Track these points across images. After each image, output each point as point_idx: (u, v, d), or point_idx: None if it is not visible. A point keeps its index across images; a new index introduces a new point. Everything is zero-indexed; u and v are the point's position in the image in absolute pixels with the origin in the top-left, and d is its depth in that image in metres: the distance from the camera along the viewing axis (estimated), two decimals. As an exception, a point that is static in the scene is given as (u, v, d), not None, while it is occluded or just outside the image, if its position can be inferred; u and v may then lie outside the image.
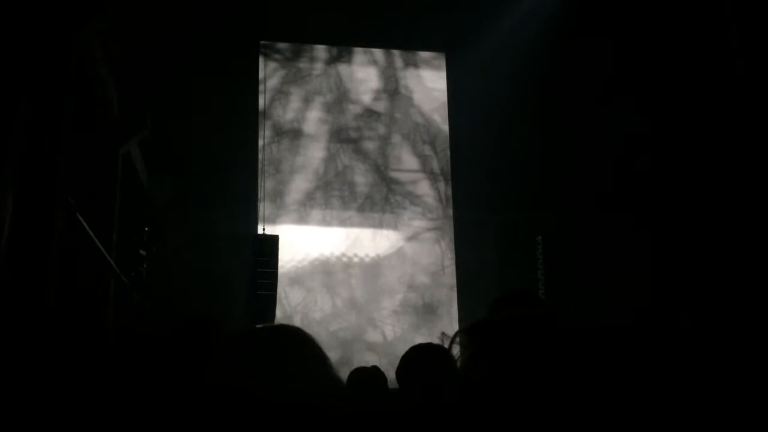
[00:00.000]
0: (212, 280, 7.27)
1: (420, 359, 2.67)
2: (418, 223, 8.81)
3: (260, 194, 8.25)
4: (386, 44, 9.14)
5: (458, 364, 2.62)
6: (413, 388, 2.59)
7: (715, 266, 5.27)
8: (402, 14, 8.24)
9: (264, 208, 8.11)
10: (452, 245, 8.77)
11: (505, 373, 2.03)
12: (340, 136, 8.87)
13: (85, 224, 4.57)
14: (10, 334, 3.63)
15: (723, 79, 5.53)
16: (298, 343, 1.54)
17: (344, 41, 9.06)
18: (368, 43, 9.12)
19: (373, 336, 8.27)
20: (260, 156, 8.41)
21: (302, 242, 8.31)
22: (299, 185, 8.61)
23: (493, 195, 8.23)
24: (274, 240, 7.43)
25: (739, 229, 5.20)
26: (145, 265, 5.99)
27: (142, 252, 5.99)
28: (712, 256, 5.29)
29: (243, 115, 8.34)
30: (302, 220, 8.47)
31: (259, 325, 1.80)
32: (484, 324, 2.19)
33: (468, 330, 2.24)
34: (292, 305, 8.06)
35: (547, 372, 2.00)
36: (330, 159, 8.77)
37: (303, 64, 9.06)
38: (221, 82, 7.98)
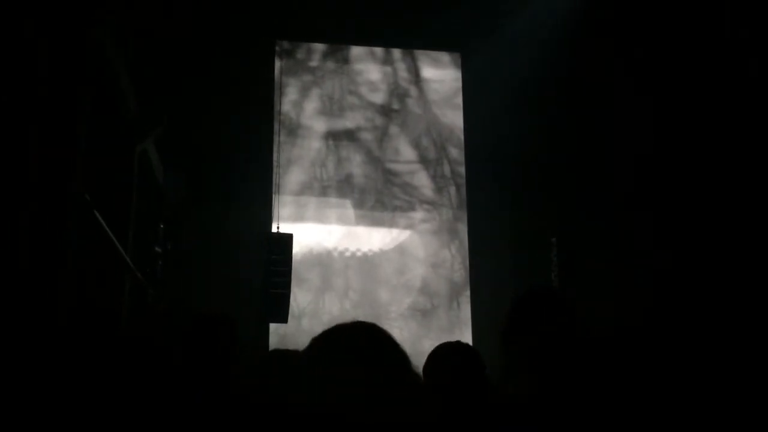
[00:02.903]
0: (226, 278, 7.30)
1: (449, 356, 2.66)
2: (430, 224, 8.80)
3: (275, 192, 8.27)
4: (401, 44, 9.15)
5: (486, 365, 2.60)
6: (440, 385, 2.58)
7: (734, 268, 5.24)
8: (416, 13, 8.24)
9: (278, 205, 8.12)
10: (465, 246, 8.76)
11: (548, 390, 2.03)
12: (353, 136, 8.87)
13: (102, 221, 4.59)
14: (26, 332, 3.65)
15: (738, 79, 5.50)
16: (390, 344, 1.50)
17: (359, 41, 9.07)
18: (383, 42, 9.12)
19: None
20: (275, 154, 8.43)
21: (309, 239, 8.30)
22: (311, 181, 8.63)
23: (507, 195, 8.21)
24: (287, 239, 7.45)
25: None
26: (160, 263, 6.02)
27: (158, 249, 6.02)
28: (731, 257, 5.26)
29: (258, 114, 8.36)
30: (320, 218, 8.49)
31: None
32: (520, 334, 2.18)
33: (505, 339, 2.23)
34: (300, 306, 8.05)
35: (589, 391, 2.01)
36: (338, 157, 8.76)
37: (317, 63, 9.07)
38: (236, 81, 8.01)
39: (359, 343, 1.54)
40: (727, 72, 5.59)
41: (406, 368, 1.51)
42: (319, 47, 9.08)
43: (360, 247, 8.53)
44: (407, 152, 8.99)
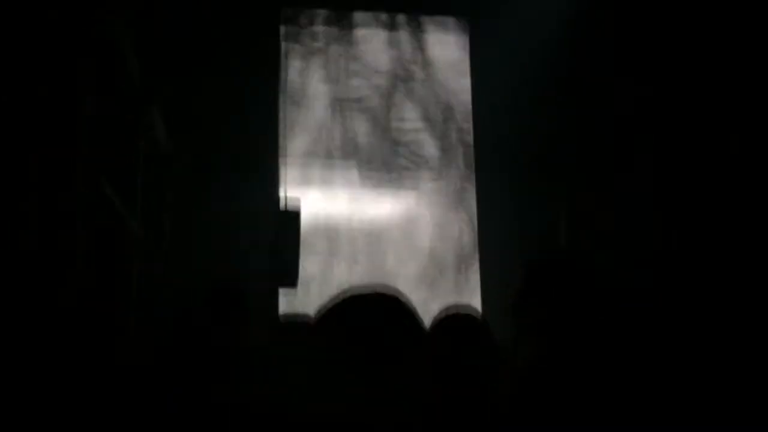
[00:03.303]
0: (235, 245, 7.31)
1: (453, 323, 2.64)
2: (437, 189, 8.76)
3: (282, 159, 8.24)
4: (406, 8, 9.04)
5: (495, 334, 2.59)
6: (442, 352, 2.57)
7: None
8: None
9: (286, 176, 8.09)
10: (473, 211, 8.74)
11: (560, 351, 2.01)
12: (358, 102, 8.80)
13: (109, 191, 4.59)
14: (36, 303, 3.66)
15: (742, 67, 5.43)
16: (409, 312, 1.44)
17: (365, 5, 8.97)
18: (388, 6, 9.01)
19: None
20: (281, 124, 8.38)
21: (314, 205, 8.27)
22: (316, 148, 8.59)
23: (516, 164, 8.17)
24: (295, 215, 7.38)
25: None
26: (168, 232, 6.04)
27: (166, 219, 6.03)
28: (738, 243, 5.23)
29: (263, 80, 8.30)
30: (325, 184, 8.47)
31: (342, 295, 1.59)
32: (532, 299, 2.16)
33: (516, 305, 2.21)
34: (309, 273, 8.03)
35: (601, 349, 1.98)
36: (344, 124, 8.71)
37: (320, 29, 8.97)
38: (240, 48, 7.95)
39: (379, 329, 1.43)
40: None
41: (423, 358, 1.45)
42: (322, 13, 8.97)
43: (366, 213, 8.51)
44: (413, 117, 8.92)
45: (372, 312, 1.46)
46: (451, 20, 9.21)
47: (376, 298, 1.48)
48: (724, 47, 5.56)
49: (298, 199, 7.55)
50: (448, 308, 2.82)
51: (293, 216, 7.39)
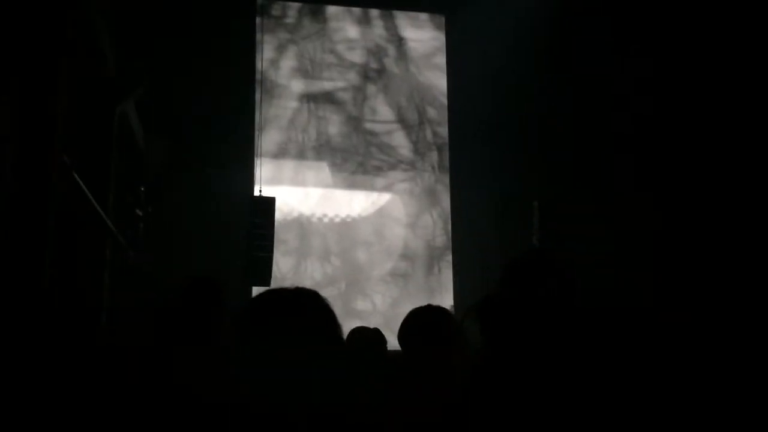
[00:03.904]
0: (208, 240, 7.28)
1: (423, 322, 2.66)
2: (411, 187, 8.79)
3: (257, 154, 8.21)
4: (384, 4, 9.05)
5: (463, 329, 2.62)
6: (417, 351, 2.59)
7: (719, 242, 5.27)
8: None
9: (261, 168, 8.07)
10: (446, 209, 8.78)
11: (504, 351, 2.04)
12: (333, 98, 8.80)
13: (82, 184, 4.54)
14: (8, 294, 3.63)
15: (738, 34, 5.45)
16: (318, 307, 1.56)
17: (343, 0, 8.97)
18: (366, 2, 9.02)
19: (362, 305, 8.27)
20: (257, 116, 8.36)
21: (288, 201, 8.28)
22: (289, 143, 8.58)
23: (490, 160, 8.21)
24: (270, 202, 7.43)
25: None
26: (141, 225, 5.99)
27: (139, 212, 5.98)
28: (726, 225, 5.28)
29: (240, 75, 8.27)
30: (298, 180, 8.46)
31: (273, 287, 1.78)
32: (494, 300, 2.19)
33: (480, 306, 2.23)
34: (282, 271, 8.03)
35: (551, 353, 2.01)
36: (317, 118, 8.70)
37: (293, 21, 8.94)
38: (217, 42, 7.91)
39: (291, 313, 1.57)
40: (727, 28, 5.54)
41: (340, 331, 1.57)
42: (295, 4, 8.95)
43: (339, 211, 8.52)
44: (386, 113, 8.94)
45: (287, 299, 1.58)
46: (426, 16, 9.25)
47: (294, 291, 1.61)
48: (718, 52, 5.62)
49: (273, 198, 7.55)
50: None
51: (268, 213, 7.40)
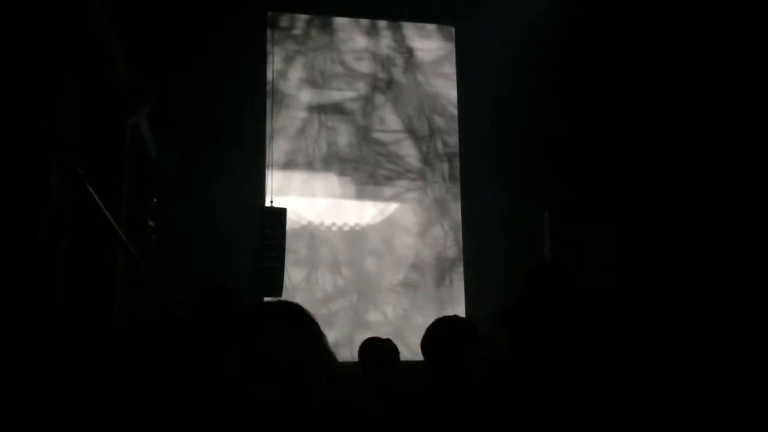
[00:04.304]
0: (219, 251, 7.29)
1: (447, 332, 2.66)
2: (421, 198, 8.77)
3: (268, 164, 8.23)
4: (394, 16, 9.07)
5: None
6: (439, 360, 2.59)
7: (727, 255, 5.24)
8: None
9: (272, 178, 8.08)
10: (457, 221, 8.75)
11: (521, 358, 2.06)
12: (342, 108, 8.80)
13: (95, 195, 4.56)
14: (19, 307, 3.63)
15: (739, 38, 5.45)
16: (301, 318, 1.62)
17: (352, 12, 8.99)
18: (376, 14, 9.04)
19: (374, 316, 8.24)
20: (268, 127, 8.38)
21: (299, 212, 8.27)
22: (299, 153, 8.59)
23: (500, 169, 8.21)
24: (281, 212, 7.44)
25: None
26: (153, 236, 6.01)
27: (151, 223, 6.00)
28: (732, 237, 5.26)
29: (250, 85, 8.31)
30: (308, 190, 8.46)
31: (267, 299, 1.90)
32: (515, 309, 2.22)
33: (503, 314, 2.26)
34: (294, 283, 8.02)
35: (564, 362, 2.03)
36: (326, 128, 8.70)
37: (301, 31, 8.97)
38: (227, 53, 7.95)
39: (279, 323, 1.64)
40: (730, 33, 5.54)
41: (324, 340, 1.64)
42: (303, 15, 8.98)
43: (348, 220, 8.51)
44: (395, 123, 8.93)
45: (271, 312, 1.69)
46: (435, 27, 9.26)
47: (277, 304, 1.72)
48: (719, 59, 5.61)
49: (284, 209, 7.57)
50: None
51: (279, 224, 7.41)
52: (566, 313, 2.17)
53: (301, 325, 1.64)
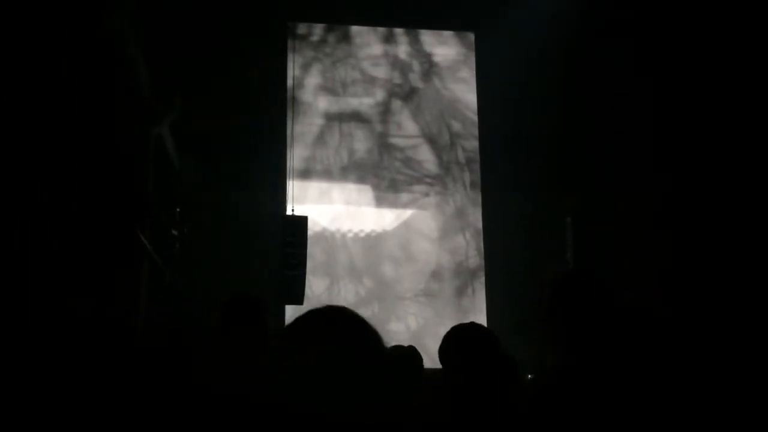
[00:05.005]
0: (242, 260, 7.33)
1: (465, 338, 2.66)
2: (442, 206, 8.76)
3: (288, 173, 8.26)
4: (412, 24, 9.08)
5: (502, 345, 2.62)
6: (457, 367, 2.59)
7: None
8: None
9: (293, 187, 8.12)
10: (478, 229, 8.72)
11: (589, 358, 2.07)
12: (359, 114, 8.81)
13: (119, 205, 4.61)
14: (49, 311, 3.68)
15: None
16: (357, 324, 1.57)
17: (371, 21, 9.01)
18: (394, 23, 9.06)
19: (395, 326, 8.20)
20: (289, 135, 8.41)
21: (320, 220, 8.28)
22: (318, 161, 8.60)
23: (522, 176, 8.18)
24: (302, 221, 7.46)
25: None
26: (177, 245, 6.06)
27: (175, 232, 6.05)
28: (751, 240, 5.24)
29: (269, 93, 8.35)
30: (328, 199, 8.47)
31: (303, 307, 1.85)
32: (560, 309, 2.23)
33: (544, 315, 2.27)
34: (316, 293, 8.01)
35: (629, 358, 2.04)
36: (345, 136, 8.71)
37: (324, 41, 9.00)
38: (247, 62, 8.01)
39: (336, 328, 1.59)
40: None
41: (381, 349, 1.59)
42: (334, 28, 9.01)
43: (366, 226, 8.50)
44: (413, 129, 8.92)
45: (324, 318, 1.62)
46: (454, 34, 9.26)
47: (328, 309, 1.64)
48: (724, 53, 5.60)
49: (305, 217, 7.59)
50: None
51: (300, 232, 7.44)
52: (610, 309, 2.20)
53: (363, 334, 1.60)
